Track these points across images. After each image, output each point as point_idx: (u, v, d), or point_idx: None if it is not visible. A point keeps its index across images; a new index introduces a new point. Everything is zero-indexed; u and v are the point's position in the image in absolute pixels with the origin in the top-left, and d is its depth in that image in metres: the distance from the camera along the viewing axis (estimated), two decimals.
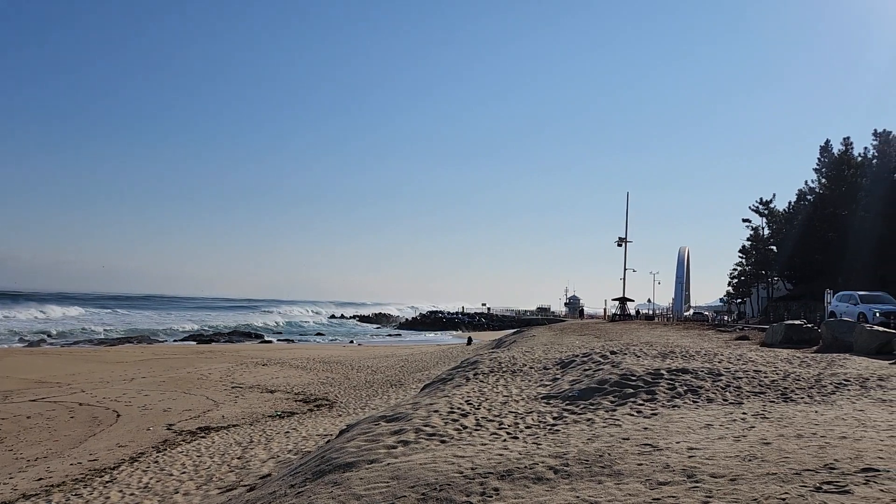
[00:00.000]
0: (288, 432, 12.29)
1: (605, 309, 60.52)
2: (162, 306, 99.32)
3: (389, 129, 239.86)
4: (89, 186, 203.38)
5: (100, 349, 35.79)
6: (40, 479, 9.66)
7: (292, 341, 50.57)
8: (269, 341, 49.34)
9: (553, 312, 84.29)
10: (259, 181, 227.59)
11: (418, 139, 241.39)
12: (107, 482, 9.16)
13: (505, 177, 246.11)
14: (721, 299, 61.73)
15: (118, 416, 15.16)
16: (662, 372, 8.61)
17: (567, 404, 7.30)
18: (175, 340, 47.44)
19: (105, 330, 50.94)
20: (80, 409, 15.99)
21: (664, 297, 74.82)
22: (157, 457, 10.78)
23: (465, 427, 6.23)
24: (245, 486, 7.54)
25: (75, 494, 8.55)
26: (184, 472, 9.32)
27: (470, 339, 46.73)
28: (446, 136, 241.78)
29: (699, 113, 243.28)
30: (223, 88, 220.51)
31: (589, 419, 6.32)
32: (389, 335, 64.87)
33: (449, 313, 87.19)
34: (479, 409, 7.22)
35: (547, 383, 9.17)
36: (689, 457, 4.26)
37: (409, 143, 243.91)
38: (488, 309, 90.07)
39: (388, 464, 4.80)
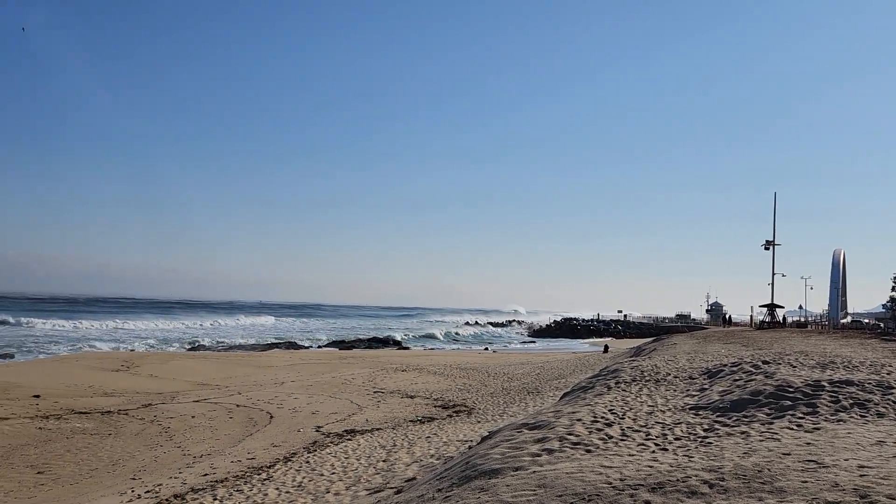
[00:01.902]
0: (429, 437, 12.54)
1: (751, 316, 57.41)
2: (306, 314, 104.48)
3: (520, 132, 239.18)
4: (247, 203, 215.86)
5: (252, 354, 38.11)
6: (206, 474, 10.42)
7: (429, 348, 51.62)
8: (407, 348, 50.58)
9: (693, 319, 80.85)
10: (387, 190, 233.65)
11: (555, 142, 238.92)
12: (264, 480, 9.73)
13: (640, 181, 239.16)
14: (883, 305, 56.91)
15: (271, 417, 16.08)
16: (823, 383, 8.06)
17: (718, 416, 6.99)
18: (318, 346, 49.69)
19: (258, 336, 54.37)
20: (238, 410, 17.10)
21: (817, 304, 69.95)
22: (308, 457, 11.32)
23: (611, 437, 6.12)
24: (392, 488, 7.78)
25: (237, 490, 9.15)
26: (333, 473, 9.74)
27: (606, 347, 45.74)
28: (585, 139, 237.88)
29: (849, 105, 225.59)
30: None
31: (743, 432, 6.02)
32: (524, 342, 64.72)
33: (584, 320, 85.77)
34: (623, 418, 7.07)
35: (694, 393, 8.83)
36: (861, 475, 3.96)
37: (539, 146, 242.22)
38: (625, 316, 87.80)
39: (534, 472, 4.80)
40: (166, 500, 9.02)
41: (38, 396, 18.49)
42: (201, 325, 66.53)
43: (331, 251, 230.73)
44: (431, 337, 66.02)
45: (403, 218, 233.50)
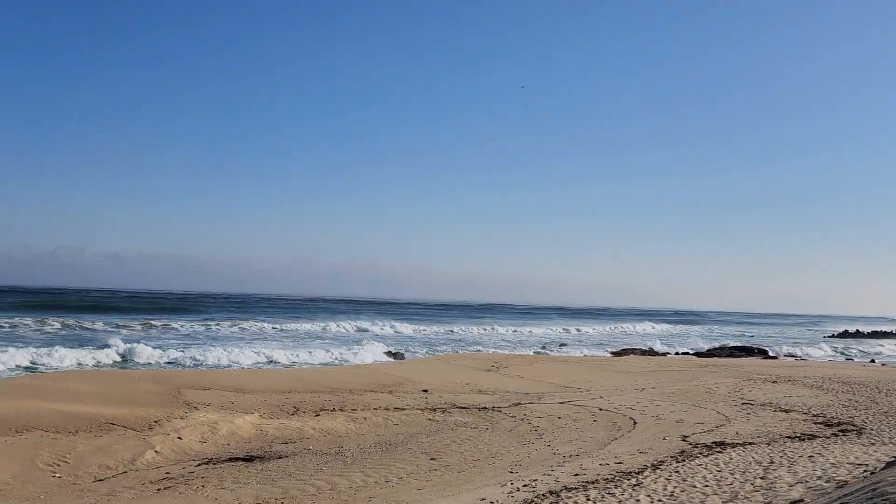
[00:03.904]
0: (812, 456, 11.37)
1: None
2: (686, 321, 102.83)
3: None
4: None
5: (609, 359, 38.54)
6: (576, 474, 10.78)
7: (800, 358, 46.86)
8: (773, 357, 46.56)
9: None
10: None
11: None
12: (634, 485, 9.74)
13: None
14: None
15: (634, 423, 16.06)
16: None
17: None
18: (676, 353, 48.31)
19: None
20: (601, 413, 17.42)
21: None
22: (677, 466, 11.05)
23: None
24: None
25: (608, 493, 9.30)
26: (706, 486, 9.37)
27: None
28: None
29: None
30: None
31: None
32: None
33: None
34: None
35: None
36: None
37: None
38: None
39: None
40: (542, 495, 9.53)
41: (426, 391, 20.95)
42: (563, 329, 69.52)
43: (711, 254, 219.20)
44: (799, 346, 59.71)
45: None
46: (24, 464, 12.66)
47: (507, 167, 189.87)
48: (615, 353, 44.29)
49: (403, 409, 18.12)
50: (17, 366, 26.60)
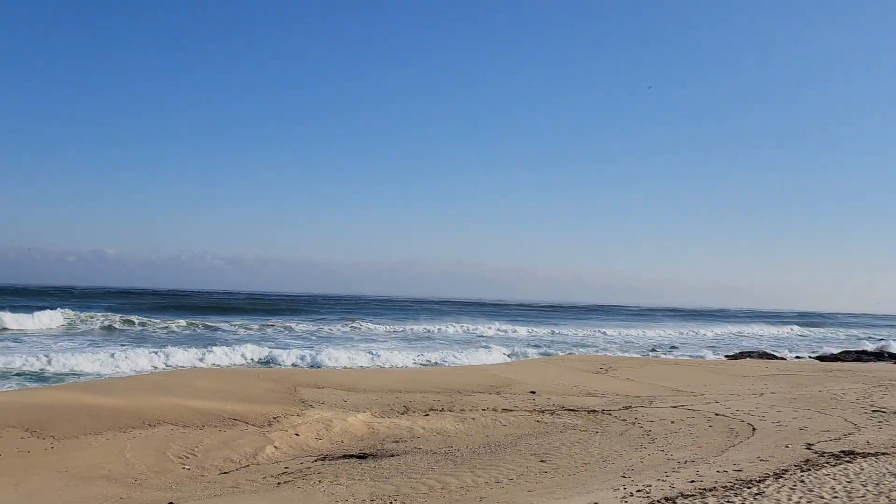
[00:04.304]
0: None
1: None
2: (809, 323, 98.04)
3: None
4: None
5: (723, 362, 37.05)
6: (692, 481, 10.45)
7: None
8: None
9: None
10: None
11: None
12: (755, 494, 9.34)
13: None
14: None
15: (753, 429, 15.38)
16: None
17: None
18: (797, 357, 45.88)
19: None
20: (716, 419, 16.79)
21: None
22: (802, 476, 10.51)
23: None
24: None
25: (728, 501, 8.96)
26: (835, 497, 8.87)
27: None
28: None
29: None
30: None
31: None
32: None
33: None
34: None
35: None
36: None
37: None
38: None
39: None
40: (657, 501, 9.30)
41: (533, 392, 20.87)
42: (675, 331, 67.60)
43: (841, 252, 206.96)
44: None
45: None
46: (157, 455, 13.54)
47: (617, 163, 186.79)
48: (731, 357, 42.52)
49: (511, 411, 18.11)
50: (154, 366, 28.48)
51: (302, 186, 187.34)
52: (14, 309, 49.30)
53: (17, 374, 25.12)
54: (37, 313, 46.95)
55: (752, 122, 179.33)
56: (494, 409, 18.15)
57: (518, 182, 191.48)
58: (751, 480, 10.37)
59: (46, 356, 27.61)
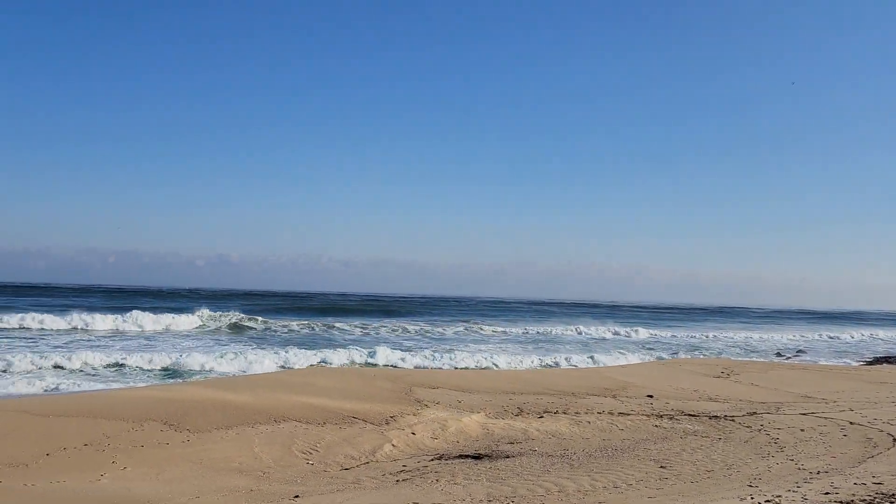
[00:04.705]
0: None
1: None
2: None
3: None
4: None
5: (857, 368, 34.75)
6: (827, 493, 9.87)
7: None
8: None
9: None
10: None
11: None
12: None
13: None
14: None
15: (894, 440, 14.34)
16: None
17: None
18: None
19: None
20: (851, 427, 15.76)
21: None
22: None
23: None
24: None
25: None
26: None
27: None
28: None
29: None
30: None
31: None
32: None
33: None
34: None
35: None
36: None
37: None
38: None
39: None
40: None
41: (650, 396, 20.33)
42: (803, 335, 64.11)
43: None
44: None
45: None
46: (283, 450, 14.18)
47: (735, 159, 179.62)
48: (867, 362, 39.80)
49: (628, 415, 17.72)
50: (278, 365, 29.87)
51: (416, 191, 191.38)
52: (155, 310, 53.17)
53: (158, 371, 27.09)
54: (175, 315, 50.57)
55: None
56: (610, 413, 17.82)
57: (636, 183, 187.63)
58: (893, 494, 9.69)
59: (179, 354, 29.55)
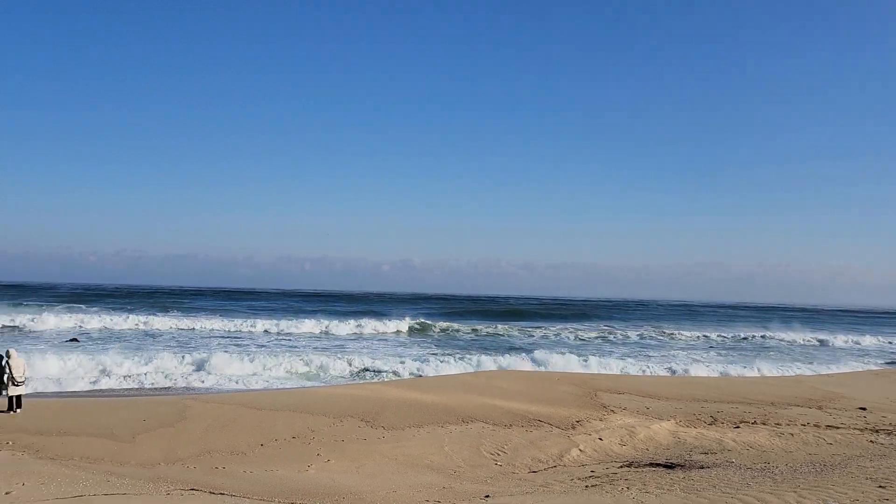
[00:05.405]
0: None
1: None
2: None
3: None
4: None
5: None
6: None
7: None
8: None
9: None
10: None
11: None
12: None
13: None
14: None
15: None
16: None
17: None
18: None
19: None
20: None
21: None
22: None
23: None
24: None
25: None
26: None
27: None
28: None
29: None
30: None
31: None
32: None
33: None
34: None
35: None
36: None
37: None
38: None
39: None
40: None
41: (863, 409, 18.57)
42: None
43: None
44: None
45: None
46: (472, 450, 14.53)
47: None
48: None
49: (837, 428, 16.29)
50: (462, 367, 30.69)
51: (594, 197, 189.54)
52: (348, 315, 56.52)
53: (360, 371, 28.81)
54: (386, 321, 54.61)
55: None
56: (816, 425, 16.49)
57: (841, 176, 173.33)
58: None
59: (371, 357, 31.24)
